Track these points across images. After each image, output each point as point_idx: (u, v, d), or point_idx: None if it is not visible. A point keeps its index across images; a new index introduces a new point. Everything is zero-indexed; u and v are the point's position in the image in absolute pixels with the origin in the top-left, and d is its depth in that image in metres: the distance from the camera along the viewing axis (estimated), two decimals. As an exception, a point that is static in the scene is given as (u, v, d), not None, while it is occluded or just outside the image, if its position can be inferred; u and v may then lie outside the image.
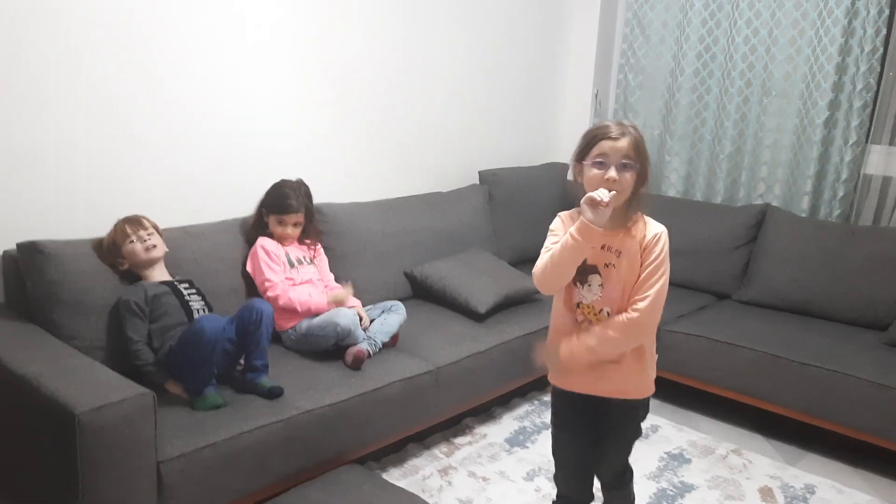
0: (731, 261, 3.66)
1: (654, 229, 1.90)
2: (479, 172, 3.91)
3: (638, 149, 1.82)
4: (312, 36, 3.15)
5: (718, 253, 3.68)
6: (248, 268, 2.79)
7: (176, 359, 2.32)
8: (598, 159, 1.81)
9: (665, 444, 3.01)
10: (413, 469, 2.70)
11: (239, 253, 2.82)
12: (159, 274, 2.50)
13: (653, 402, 3.35)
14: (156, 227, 2.54)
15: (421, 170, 3.76)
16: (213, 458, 2.09)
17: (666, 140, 4.17)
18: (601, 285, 1.87)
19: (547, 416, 3.14)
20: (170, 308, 2.42)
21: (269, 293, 2.70)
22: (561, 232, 1.89)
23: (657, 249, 1.86)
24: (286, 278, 2.78)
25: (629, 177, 1.81)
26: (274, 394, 2.31)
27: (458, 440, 2.93)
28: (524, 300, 3.32)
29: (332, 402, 2.39)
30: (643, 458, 2.87)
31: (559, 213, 1.96)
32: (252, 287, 2.80)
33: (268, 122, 3.07)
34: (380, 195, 3.49)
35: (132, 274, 2.47)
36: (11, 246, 2.43)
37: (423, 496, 2.49)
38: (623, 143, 1.80)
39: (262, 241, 2.80)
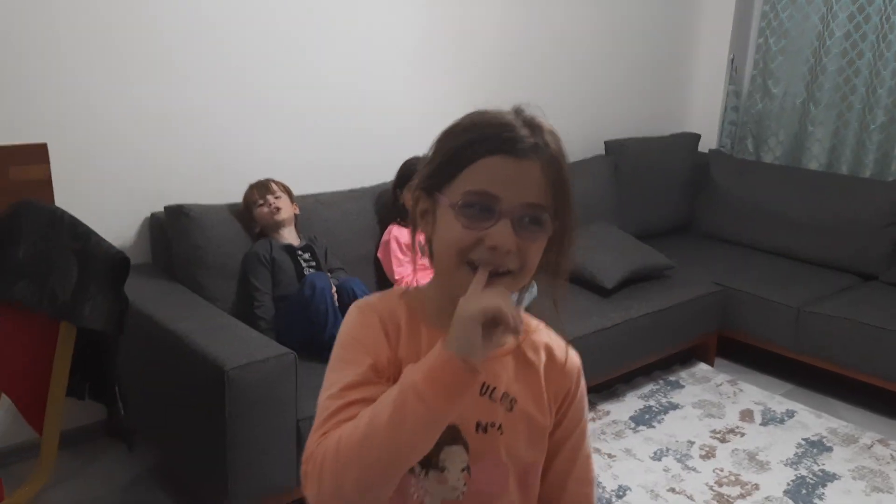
0: (879, 239, 3.41)
1: (560, 344, 1.06)
2: (605, 142, 3.80)
3: (559, 181, 0.92)
4: (435, 3, 3.13)
5: (866, 231, 3.42)
6: (380, 254, 2.78)
7: (290, 318, 2.39)
8: (473, 200, 0.88)
9: (803, 430, 2.85)
10: (537, 441, 2.69)
11: (368, 221, 2.85)
12: (289, 236, 2.56)
13: (787, 387, 3.23)
14: (286, 190, 2.59)
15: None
16: (348, 419, 2.14)
17: (810, 109, 3.91)
18: (466, 469, 0.95)
19: (673, 397, 3.06)
20: (285, 272, 2.47)
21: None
22: (370, 359, 0.91)
23: (582, 389, 1.06)
24: (419, 266, 2.78)
25: (537, 243, 0.91)
26: None
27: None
28: (652, 276, 3.22)
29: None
30: (780, 444, 2.74)
31: (360, 304, 1.00)
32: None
33: (394, 93, 3.09)
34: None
35: (266, 237, 2.55)
36: (158, 208, 2.57)
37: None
38: (534, 167, 0.90)
39: (396, 232, 2.73)
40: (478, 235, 0.88)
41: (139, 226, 2.60)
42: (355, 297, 2.36)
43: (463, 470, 0.95)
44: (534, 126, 0.93)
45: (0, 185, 2.29)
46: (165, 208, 2.51)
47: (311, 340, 2.31)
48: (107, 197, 2.49)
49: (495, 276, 0.88)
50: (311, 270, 2.50)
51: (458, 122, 0.95)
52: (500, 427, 0.96)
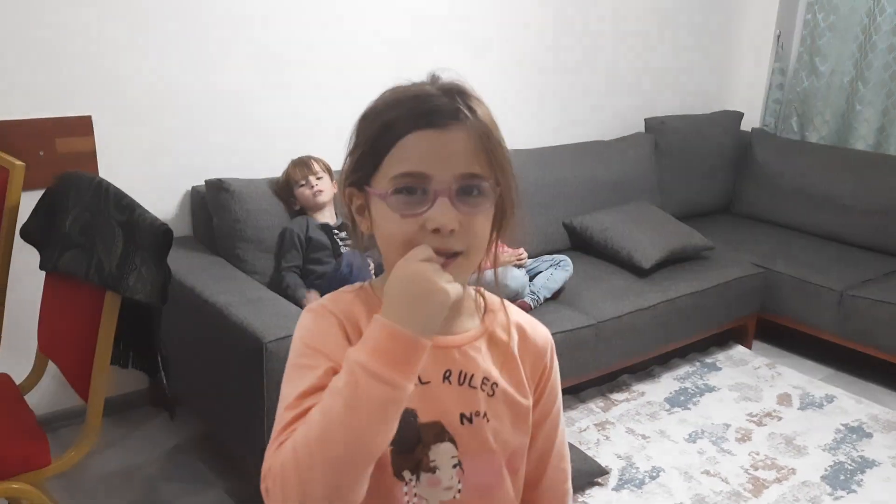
0: (928, 223, 3.32)
1: (529, 320, 1.01)
2: (646, 120, 3.74)
3: (490, 145, 0.86)
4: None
5: (914, 214, 3.34)
6: None
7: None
8: (402, 184, 0.84)
9: (842, 415, 2.81)
10: (569, 421, 2.69)
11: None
12: (327, 215, 2.58)
13: (827, 371, 3.17)
14: (327, 169, 2.60)
15: (583, 117, 3.64)
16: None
17: (858, 88, 3.80)
18: (458, 465, 0.90)
19: (709, 379, 3.03)
20: (321, 250, 2.49)
21: None
22: (328, 363, 0.84)
23: (556, 364, 1.01)
24: None
25: (482, 216, 0.86)
26: None
27: (615, 396, 2.88)
28: (691, 256, 3.17)
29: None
30: (818, 429, 2.70)
31: (313, 307, 0.94)
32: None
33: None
34: (540, 143, 3.42)
35: (303, 213, 2.57)
36: (200, 182, 2.61)
37: (580, 448, 2.48)
38: (460, 136, 0.84)
39: None
40: (418, 222, 0.82)
41: (180, 199, 2.64)
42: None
43: (455, 467, 0.89)
44: (453, 92, 0.87)
45: (46, 157, 2.34)
46: (206, 182, 2.54)
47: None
48: (149, 170, 2.53)
49: (447, 260, 0.82)
50: (348, 249, 2.51)
51: (372, 105, 0.89)
52: (484, 415, 0.90)
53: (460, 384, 0.90)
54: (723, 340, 3.34)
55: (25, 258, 1.94)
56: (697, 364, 3.17)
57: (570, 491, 1.05)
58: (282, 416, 0.81)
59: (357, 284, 0.95)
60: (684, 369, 3.12)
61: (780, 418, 2.77)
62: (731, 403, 2.86)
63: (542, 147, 3.34)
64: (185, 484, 2.30)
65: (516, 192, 0.89)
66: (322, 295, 2.35)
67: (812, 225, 3.63)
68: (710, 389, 2.96)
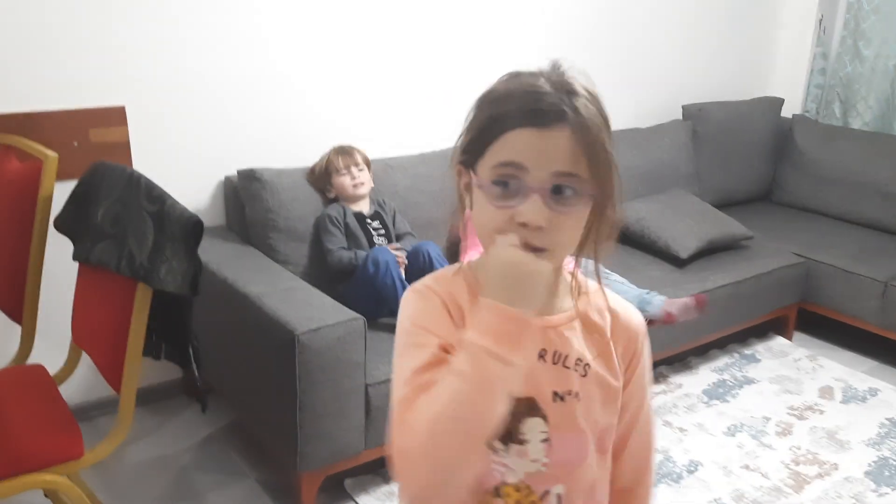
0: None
1: (623, 304, 1.02)
2: (683, 107, 3.65)
3: (594, 147, 0.84)
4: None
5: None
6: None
7: (356, 293, 2.34)
8: (500, 177, 0.85)
9: (886, 409, 2.73)
10: (605, 412, 2.64)
11: (438, 186, 2.82)
12: (361, 205, 2.55)
13: (870, 364, 3.08)
14: (366, 161, 2.58)
15: (619, 103, 3.56)
16: (416, 385, 2.14)
17: (903, 72, 3.68)
18: (546, 440, 0.93)
19: (749, 371, 2.96)
20: (356, 240, 2.46)
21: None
22: (438, 339, 0.87)
23: (647, 348, 1.02)
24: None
25: (574, 217, 0.85)
26: None
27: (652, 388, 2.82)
28: (729, 246, 3.10)
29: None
30: (861, 423, 2.63)
31: (418, 287, 0.95)
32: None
33: (471, 55, 3.02)
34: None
35: (337, 201, 2.55)
36: (232, 172, 2.60)
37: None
38: (562, 135, 0.83)
39: None
40: (508, 213, 0.84)
41: (213, 189, 2.64)
42: (430, 261, 2.34)
43: (543, 441, 0.93)
44: (564, 89, 0.87)
45: (80, 147, 2.35)
46: (238, 172, 2.53)
47: (378, 312, 2.32)
48: (183, 160, 2.53)
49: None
50: (381, 240, 2.48)
51: (490, 90, 0.91)
52: (576, 394, 0.94)
53: (554, 363, 0.93)
54: (762, 331, 3.26)
55: (60, 249, 1.94)
56: (736, 355, 3.10)
57: (653, 463, 1.08)
58: (400, 391, 0.85)
59: (456, 265, 0.98)
60: (723, 361, 3.05)
61: (821, 412, 2.70)
62: (771, 396, 2.79)
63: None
64: (217, 474, 2.31)
65: (617, 198, 0.88)
66: (349, 289, 2.36)
67: (854, 213, 3.52)
68: (750, 382, 2.89)
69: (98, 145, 2.39)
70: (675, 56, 3.69)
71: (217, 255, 2.38)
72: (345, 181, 2.49)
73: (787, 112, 3.94)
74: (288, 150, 2.67)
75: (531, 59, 3.06)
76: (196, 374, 1.76)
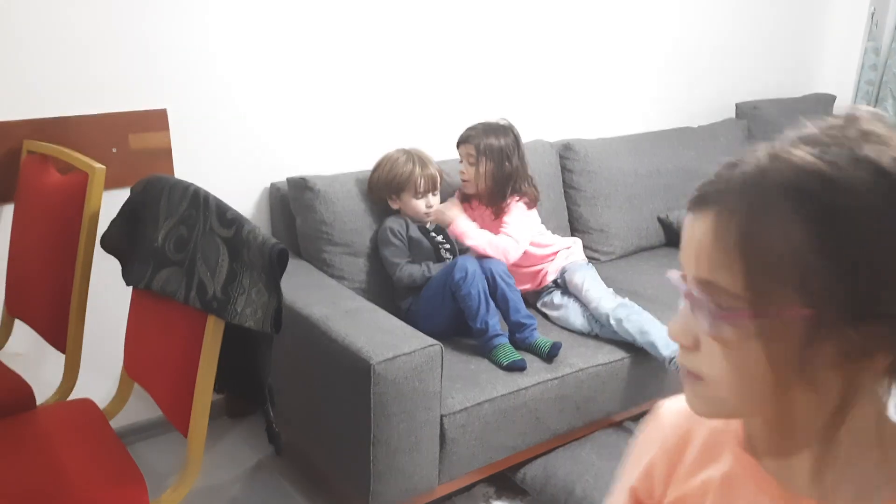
0: None
1: None
2: (737, 105, 3.49)
3: (748, 246, 0.57)
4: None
5: None
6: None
7: (432, 304, 2.19)
8: None
9: None
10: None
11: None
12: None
13: None
14: (441, 176, 2.37)
15: (669, 102, 3.40)
16: (491, 413, 1.98)
17: (965, 68, 3.52)
18: None
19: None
20: (422, 253, 2.30)
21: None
22: (633, 481, 0.81)
23: None
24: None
25: (729, 344, 0.61)
26: (553, 353, 2.14)
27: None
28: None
29: (605, 361, 2.20)
30: None
31: (659, 408, 0.86)
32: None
33: (511, 60, 2.85)
34: (628, 130, 3.20)
35: (399, 214, 2.36)
36: (279, 178, 2.42)
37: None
38: (701, 225, 0.62)
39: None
40: None
41: (258, 197, 2.46)
42: (495, 280, 2.17)
43: None
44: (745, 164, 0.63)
45: (119, 153, 2.17)
46: (288, 180, 2.36)
47: (456, 329, 2.16)
48: (226, 166, 2.35)
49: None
50: (447, 255, 2.31)
51: None
52: None
53: None
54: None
55: (106, 269, 1.77)
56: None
57: None
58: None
59: None
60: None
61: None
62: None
63: (632, 134, 3.11)
64: (273, 506, 2.15)
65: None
66: (418, 305, 2.19)
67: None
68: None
69: (138, 151, 2.21)
70: (725, 52, 3.52)
71: (267, 270, 2.21)
72: (418, 205, 2.29)
73: (839, 109, 3.78)
74: (337, 156, 2.50)
75: (579, 61, 2.86)
76: (271, 415, 1.60)
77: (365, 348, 1.78)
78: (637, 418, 2.52)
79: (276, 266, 1.42)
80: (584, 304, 2.34)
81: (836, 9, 3.87)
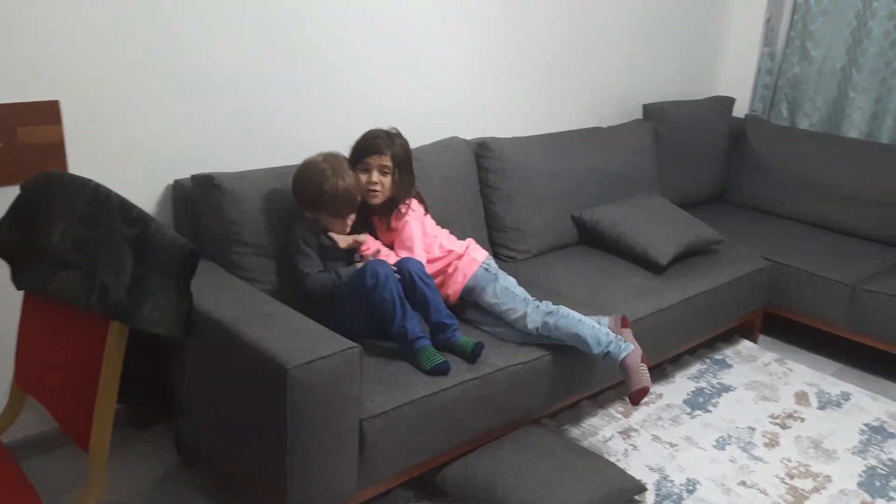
0: (930, 213, 3.26)
1: None
2: (644, 106, 3.57)
3: None
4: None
5: (915, 203, 3.28)
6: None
7: (346, 311, 2.10)
8: None
9: (862, 414, 2.73)
10: (592, 430, 2.52)
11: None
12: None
13: (836, 366, 3.10)
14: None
15: (580, 102, 3.46)
16: (412, 416, 1.94)
17: (851, 74, 3.73)
18: None
19: (723, 377, 2.91)
20: (334, 259, 2.21)
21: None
22: None
23: None
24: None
25: None
26: (477, 353, 2.11)
27: (633, 399, 2.72)
28: (704, 251, 3.04)
29: (526, 360, 2.20)
30: (842, 430, 2.62)
31: None
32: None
33: (426, 54, 2.82)
34: (538, 130, 3.22)
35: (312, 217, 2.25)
36: (182, 175, 2.31)
37: (608, 459, 2.32)
38: None
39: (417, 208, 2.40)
40: None
41: (160, 195, 2.33)
42: (413, 280, 2.13)
43: None
44: None
45: (6, 148, 2.01)
46: (193, 178, 2.25)
47: (374, 331, 2.11)
48: (123, 161, 2.21)
49: None
50: (359, 260, 2.25)
51: None
52: None
53: None
54: (728, 335, 3.24)
55: (-6, 273, 1.63)
56: (708, 361, 3.06)
57: None
58: None
59: None
60: (696, 367, 3.00)
61: (802, 419, 2.67)
62: (750, 404, 2.75)
63: (546, 133, 3.13)
64: (182, 521, 2.04)
65: None
66: (333, 309, 2.11)
67: (809, 214, 3.55)
68: (727, 389, 2.84)
69: (28, 146, 2.06)
70: (633, 55, 3.61)
71: (173, 272, 2.09)
72: (336, 226, 2.20)
73: (737, 112, 3.94)
74: (246, 151, 2.41)
75: (489, 62, 2.89)
76: (181, 424, 1.51)
77: (280, 353, 1.71)
78: (556, 415, 2.54)
79: (186, 267, 1.34)
80: (505, 322, 2.29)
81: (735, 14, 4.04)
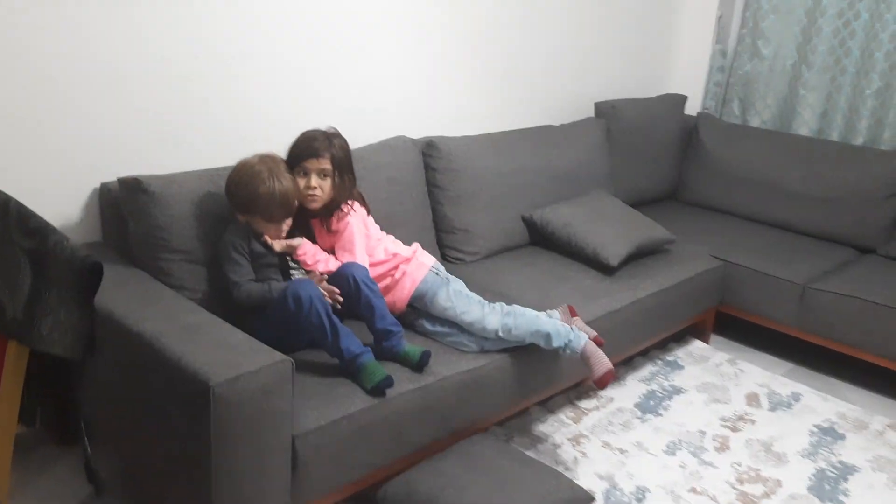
0: (878, 211, 3.25)
1: None
2: (596, 104, 3.52)
3: None
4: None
5: (863, 202, 3.27)
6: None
7: (275, 330, 1.97)
8: None
9: (812, 415, 2.72)
10: (541, 437, 2.46)
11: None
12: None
13: (787, 366, 3.09)
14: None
15: (528, 101, 3.39)
16: (349, 431, 1.86)
17: (802, 72, 3.72)
18: None
19: (675, 379, 2.88)
20: (267, 269, 2.10)
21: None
22: None
23: None
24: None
25: None
26: (424, 362, 2.03)
27: (584, 404, 2.67)
28: (655, 250, 3.00)
29: (471, 367, 2.13)
30: (792, 432, 2.59)
31: None
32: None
33: (371, 49, 2.73)
34: (486, 129, 3.15)
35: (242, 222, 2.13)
36: (110, 178, 2.19)
37: (557, 469, 2.26)
38: None
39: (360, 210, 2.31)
40: None
41: (87, 199, 2.21)
42: (358, 286, 2.03)
43: None
44: None
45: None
46: (119, 181, 2.12)
47: (310, 342, 2.01)
48: (43, 163, 2.08)
49: None
50: (295, 266, 2.14)
51: None
52: None
53: None
54: (680, 335, 3.20)
55: None
56: (659, 363, 3.02)
57: None
58: None
59: None
60: (647, 369, 2.96)
61: (752, 422, 2.65)
62: (701, 406, 2.72)
63: (496, 132, 3.06)
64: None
65: None
66: (264, 325, 2.00)
67: (760, 212, 3.54)
68: (678, 391, 2.81)
69: (-65, 148, 1.92)
70: (584, 52, 3.55)
71: (96, 281, 1.98)
72: (270, 231, 2.09)
73: (689, 109, 3.92)
74: (175, 152, 2.29)
75: (436, 61, 2.80)
76: (88, 450, 1.40)
77: (203, 368, 1.61)
78: (504, 423, 2.47)
79: (88, 281, 1.23)
80: (460, 328, 2.22)
81: (687, 12, 4.01)
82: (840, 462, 2.45)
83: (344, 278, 2.05)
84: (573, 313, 2.37)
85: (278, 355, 1.71)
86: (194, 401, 1.60)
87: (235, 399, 1.61)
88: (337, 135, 2.23)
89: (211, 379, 1.58)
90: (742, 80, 3.93)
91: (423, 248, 2.47)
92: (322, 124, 2.30)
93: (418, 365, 2.02)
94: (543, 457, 2.35)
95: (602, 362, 2.19)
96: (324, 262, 2.15)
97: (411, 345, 2.08)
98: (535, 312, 2.25)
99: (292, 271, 2.13)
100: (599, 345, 2.25)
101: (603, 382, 2.19)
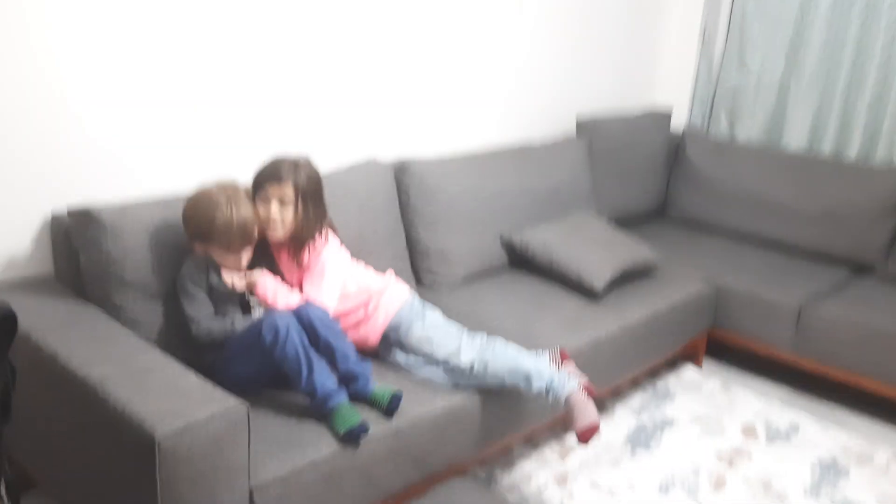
0: (875, 229, 3.12)
1: None
2: (578, 122, 3.40)
3: None
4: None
5: (860, 219, 3.14)
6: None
7: (242, 365, 1.86)
8: None
9: (812, 448, 2.58)
10: (525, 477, 2.31)
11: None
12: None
13: (783, 392, 2.95)
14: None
15: (507, 116, 3.27)
16: (314, 480, 1.71)
17: (790, 85, 3.62)
18: None
19: (667, 410, 2.74)
20: (227, 304, 1.97)
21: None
22: None
23: None
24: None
25: None
26: (394, 407, 1.87)
27: (570, 438, 2.53)
28: (642, 275, 2.87)
29: (446, 405, 1.99)
30: (792, 468, 2.45)
31: None
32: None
33: (339, 68, 2.61)
34: (464, 147, 3.02)
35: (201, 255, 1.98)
36: (60, 207, 2.05)
37: (543, 513, 2.11)
38: None
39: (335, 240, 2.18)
40: None
41: (37, 230, 2.06)
42: (315, 329, 1.88)
43: None
44: None
45: None
46: (69, 211, 1.98)
47: (274, 381, 1.87)
48: (-10, 194, 1.95)
49: None
50: (256, 304, 2.01)
51: None
52: None
53: None
54: (671, 360, 3.07)
55: None
56: (650, 390, 2.88)
57: None
58: None
59: None
60: (637, 399, 2.82)
61: (749, 456, 2.50)
62: (694, 440, 2.57)
63: (472, 154, 2.92)
64: None
65: None
66: (227, 360, 1.88)
67: (751, 230, 3.42)
68: (670, 423, 2.67)
69: None
70: (565, 68, 3.44)
71: (42, 317, 1.84)
72: (228, 262, 1.95)
73: (675, 125, 3.81)
74: (130, 179, 2.15)
75: (412, 77, 2.61)
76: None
77: (149, 418, 1.46)
78: (485, 463, 2.33)
79: (1, 333, 1.09)
80: (435, 361, 2.08)
81: (671, 26, 3.91)
82: (845, 500, 2.31)
83: (300, 319, 1.89)
84: (564, 356, 2.21)
85: (232, 400, 1.56)
86: (139, 453, 1.46)
87: (183, 452, 1.46)
88: (307, 164, 2.09)
89: (157, 430, 1.44)
90: (729, 93, 3.83)
91: (398, 275, 2.33)
92: (287, 148, 2.16)
93: (388, 409, 1.87)
94: (526, 502, 2.20)
95: (588, 415, 2.01)
96: (284, 297, 2.00)
97: (381, 384, 1.93)
98: (517, 347, 2.10)
99: (252, 306, 1.98)
100: (590, 394, 2.09)
101: (585, 437, 2.00)
